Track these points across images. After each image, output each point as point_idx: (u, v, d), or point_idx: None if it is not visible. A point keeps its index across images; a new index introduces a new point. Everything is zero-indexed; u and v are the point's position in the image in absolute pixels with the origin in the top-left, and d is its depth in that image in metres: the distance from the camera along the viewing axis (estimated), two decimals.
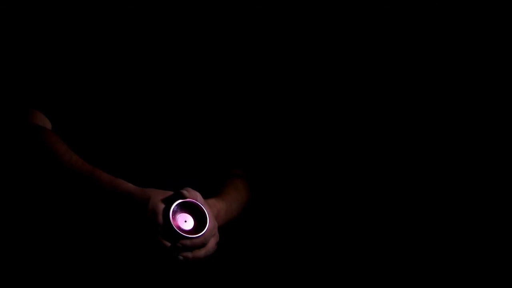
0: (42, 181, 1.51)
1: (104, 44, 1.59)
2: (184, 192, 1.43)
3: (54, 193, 1.51)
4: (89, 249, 1.49)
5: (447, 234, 1.65)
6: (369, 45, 1.75)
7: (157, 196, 1.42)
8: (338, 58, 1.78)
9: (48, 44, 1.59)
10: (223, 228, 1.55)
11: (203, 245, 1.43)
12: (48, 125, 1.55)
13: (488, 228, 1.61)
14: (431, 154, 1.69)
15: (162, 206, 1.41)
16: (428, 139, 1.69)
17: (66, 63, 1.57)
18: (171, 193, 1.44)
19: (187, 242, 1.40)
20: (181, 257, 1.40)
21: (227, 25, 1.73)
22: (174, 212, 1.40)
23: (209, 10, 1.69)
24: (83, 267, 1.49)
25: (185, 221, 1.42)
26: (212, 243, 1.46)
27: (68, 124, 1.56)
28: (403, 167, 1.71)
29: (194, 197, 1.44)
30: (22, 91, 1.56)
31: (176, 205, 1.41)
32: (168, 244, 1.39)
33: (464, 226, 1.63)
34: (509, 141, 1.61)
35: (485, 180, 1.63)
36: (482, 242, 1.61)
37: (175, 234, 1.39)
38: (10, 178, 1.57)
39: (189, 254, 1.41)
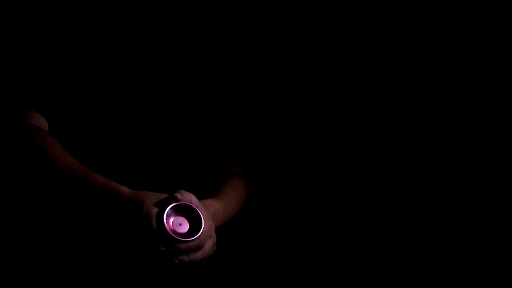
0: (37, 183, 1.50)
1: (101, 44, 1.59)
2: (177, 195, 1.41)
3: (48, 195, 1.50)
4: (84, 252, 1.48)
5: (447, 234, 1.64)
6: (369, 45, 1.74)
7: (151, 199, 1.41)
8: (337, 58, 1.77)
9: (45, 44, 1.58)
10: (221, 228, 1.53)
11: (199, 247, 1.41)
12: (45, 125, 1.55)
13: (488, 228, 1.60)
14: (431, 154, 1.68)
15: (155, 210, 1.39)
16: (428, 139, 1.68)
17: (64, 63, 1.57)
18: (166, 195, 1.42)
19: (182, 245, 1.38)
20: (177, 261, 1.39)
21: (224, 25, 1.72)
22: (168, 216, 1.39)
23: (208, 10, 1.69)
24: (78, 271, 1.48)
25: (180, 224, 1.40)
26: (209, 245, 1.44)
27: (65, 124, 1.55)
28: (403, 167, 1.70)
29: (188, 199, 1.42)
30: (18, 91, 1.56)
31: (170, 208, 1.39)
32: (163, 248, 1.37)
33: (464, 226, 1.63)
34: (509, 141, 1.60)
35: (485, 180, 1.62)
36: (482, 242, 1.60)
37: (169, 238, 1.37)
38: (5, 179, 1.56)
39: (185, 258, 1.40)
